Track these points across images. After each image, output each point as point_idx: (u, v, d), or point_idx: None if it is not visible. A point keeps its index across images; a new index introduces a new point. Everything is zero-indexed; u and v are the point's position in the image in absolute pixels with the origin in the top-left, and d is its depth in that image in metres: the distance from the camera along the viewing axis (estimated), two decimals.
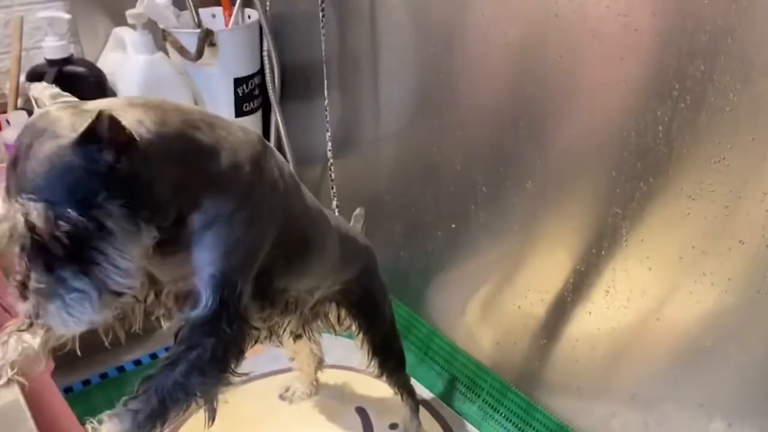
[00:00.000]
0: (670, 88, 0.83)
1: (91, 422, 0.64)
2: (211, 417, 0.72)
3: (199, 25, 1.48)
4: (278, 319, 0.92)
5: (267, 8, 1.50)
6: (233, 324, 0.70)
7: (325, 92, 1.36)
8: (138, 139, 0.59)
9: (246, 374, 0.75)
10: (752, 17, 0.73)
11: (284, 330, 0.98)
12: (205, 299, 0.69)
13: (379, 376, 1.13)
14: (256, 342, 0.81)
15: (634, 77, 0.88)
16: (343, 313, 1.06)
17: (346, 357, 1.40)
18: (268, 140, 1.46)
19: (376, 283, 1.10)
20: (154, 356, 1.35)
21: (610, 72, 0.90)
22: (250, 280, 0.74)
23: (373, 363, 1.11)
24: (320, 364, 1.31)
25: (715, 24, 0.76)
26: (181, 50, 1.47)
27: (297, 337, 1.12)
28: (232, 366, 0.72)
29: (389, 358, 1.13)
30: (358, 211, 1.21)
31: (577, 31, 0.92)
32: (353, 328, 1.08)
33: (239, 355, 0.73)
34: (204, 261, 0.69)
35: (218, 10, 1.56)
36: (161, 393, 0.66)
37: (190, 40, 1.45)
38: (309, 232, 0.89)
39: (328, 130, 1.37)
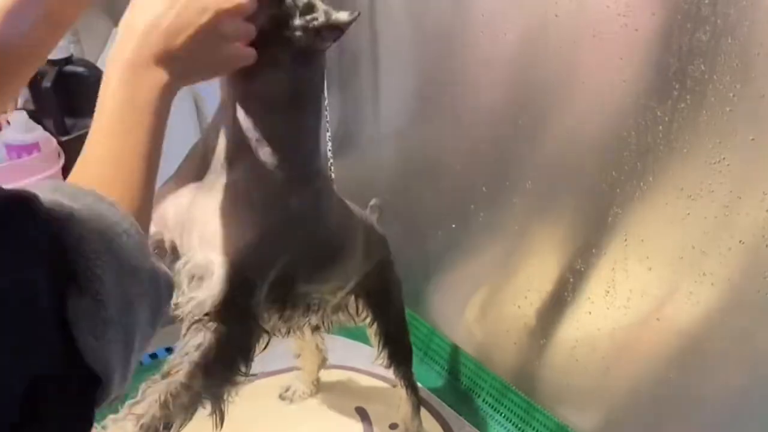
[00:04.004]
0: (670, 88, 0.83)
1: (95, 427, 0.63)
2: (220, 419, 0.71)
3: None
4: (299, 320, 0.92)
5: None
6: (241, 321, 0.70)
7: (325, 92, 1.36)
8: None
9: (254, 375, 0.74)
10: (752, 17, 0.73)
11: (304, 325, 0.99)
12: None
13: (387, 368, 1.14)
14: (268, 343, 0.80)
15: (634, 77, 0.88)
16: (361, 303, 1.07)
17: (346, 357, 1.40)
18: None
19: (391, 273, 1.11)
20: (169, 350, 1.35)
21: (610, 72, 0.90)
22: (267, 280, 0.73)
23: (383, 354, 1.12)
24: (323, 362, 1.31)
25: (715, 24, 0.76)
26: None
27: (316, 328, 1.14)
28: (239, 366, 0.71)
29: (399, 350, 1.14)
30: (373, 201, 1.21)
31: (577, 31, 0.92)
32: (368, 319, 1.09)
33: (247, 354, 0.72)
34: None
35: None
36: (165, 396, 0.65)
37: None
38: (338, 244, 0.89)
39: (328, 130, 1.37)
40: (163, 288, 0.45)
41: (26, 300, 0.36)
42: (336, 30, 0.71)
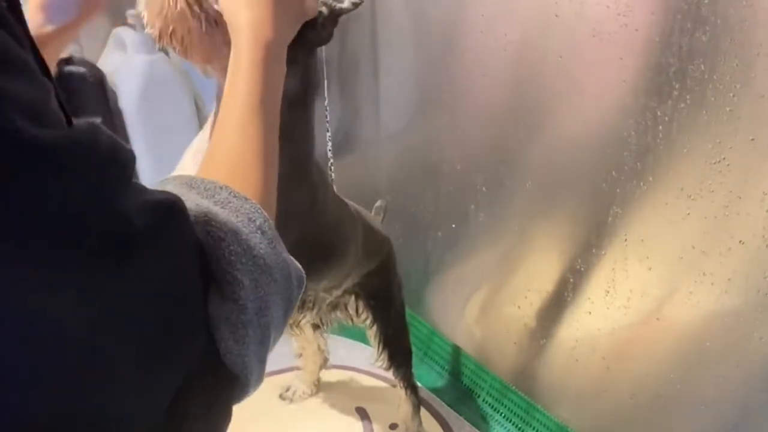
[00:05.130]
0: (670, 88, 0.83)
1: None
2: None
3: None
4: (294, 316, 0.93)
5: None
6: None
7: (325, 92, 1.36)
8: None
9: None
10: (752, 17, 0.73)
11: (299, 323, 0.99)
12: None
13: (387, 369, 1.14)
14: None
15: (634, 77, 0.88)
16: (361, 304, 1.07)
17: (347, 357, 1.40)
18: None
19: (393, 275, 1.11)
20: None
21: (610, 72, 0.90)
22: None
23: (382, 356, 1.12)
24: (325, 362, 1.31)
25: (715, 24, 0.76)
26: None
27: (315, 327, 1.13)
28: None
29: (398, 352, 1.14)
30: (379, 203, 1.22)
31: (577, 31, 0.92)
32: (368, 320, 1.09)
33: None
34: None
35: None
36: None
37: None
38: (332, 241, 0.90)
39: (328, 130, 1.38)
40: (294, 282, 0.45)
41: (184, 300, 0.36)
42: (336, 19, 0.72)
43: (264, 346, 0.42)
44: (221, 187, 0.43)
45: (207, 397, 0.39)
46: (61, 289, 0.29)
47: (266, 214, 0.44)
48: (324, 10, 0.70)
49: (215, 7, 0.62)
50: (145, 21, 0.66)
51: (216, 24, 0.63)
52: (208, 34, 0.64)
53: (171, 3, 0.63)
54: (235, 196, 0.43)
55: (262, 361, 0.42)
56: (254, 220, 0.42)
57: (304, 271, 0.46)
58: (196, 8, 0.63)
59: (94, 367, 0.30)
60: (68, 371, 0.29)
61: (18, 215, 0.27)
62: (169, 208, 0.36)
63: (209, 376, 0.38)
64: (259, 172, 0.48)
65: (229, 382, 0.40)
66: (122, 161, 0.33)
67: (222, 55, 0.64)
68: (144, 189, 0.35)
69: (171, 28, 0.64)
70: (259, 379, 0.43)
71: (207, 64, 0.69)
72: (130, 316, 0.32)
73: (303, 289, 0.47)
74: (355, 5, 0.71)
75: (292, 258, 0.45)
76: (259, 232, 0.42)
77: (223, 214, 0.41)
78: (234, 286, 0.38)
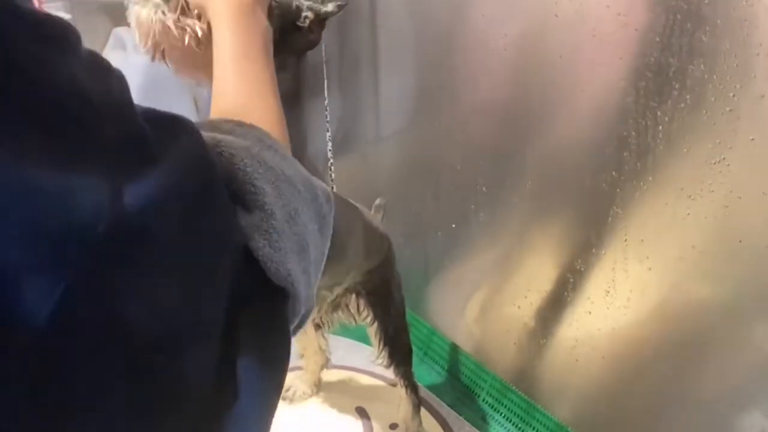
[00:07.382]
0: (670, 88, 0.83)
1: None
2: None
3: None
4: None
5: None
6: None
7: (325, 92, 1.36)
8: None
9: None
10: (752, 17, 0.73)
11: None
12: None
13: (387, 367, 1.14)
14: None
15: (634, 77, 0.88)
16: (362, 302, 1.08)
17: (347, 357, 1.40)
18: None
19: (393, 273, 1.12)
20: None
21: (610, 72, 0.90)
22: None
23: (383, 354, 1.12)
24: (326, 362, 1.31)
25: (715, 24, 0.76)
26: None
27: (317, 326, 1.14)
28: None
29: (399, 350, 1.14)
30: (378, 201, 1.22)
31: (577, 31, 0.92)
32: (368, 318, 1.10)
33: None
34: None
35: None
36: None
37: None
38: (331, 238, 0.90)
39: (328, 130, 1.38)
40: (320, 195, 0.45)
41: (213, 204, 0.36)
42: (323, 22, 0.73)
43: (304, 255, 0.41)
44: (225, 120, 0.44)
45: (261, 316, 0.38)
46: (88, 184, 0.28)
47: (275, 138, 0.44)
48: (310, 14, 0.72)
49: (197, 23, 0.63)
50: (136, 39, 0.67)
51: (205, 39, 0.64)
52: (201, 49, 0.65)
53: (159, 25, 0.64)
54: (240, 126, 0.43)
55: (307, 273, 0.42)
56: (263, 140, 0.43)
57: (329, 190, 0.47)
58: (182, 25, 0.64)
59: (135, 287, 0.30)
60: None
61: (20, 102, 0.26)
62: (176, 119, 0.36)
63: (256, 292, 0.38)
64: (268, 112, 0.50)
65: (278, 296, 0.40)
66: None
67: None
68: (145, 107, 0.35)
69: (162, 46, 0.66)
70: (309, 292, 0.42)
71: (200, 77, 0.70)
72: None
73: (333, 207, 0.47)
74: (340, 8, 0.74)
75: (314, 177, 0.46)
76: (271, 150, 0.42)
77: (230, 137, 0.41)
78: (257, 195, 0.39)
